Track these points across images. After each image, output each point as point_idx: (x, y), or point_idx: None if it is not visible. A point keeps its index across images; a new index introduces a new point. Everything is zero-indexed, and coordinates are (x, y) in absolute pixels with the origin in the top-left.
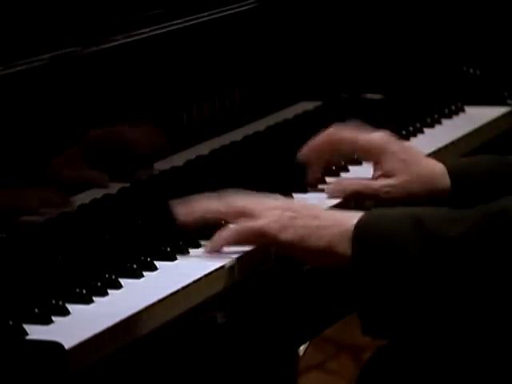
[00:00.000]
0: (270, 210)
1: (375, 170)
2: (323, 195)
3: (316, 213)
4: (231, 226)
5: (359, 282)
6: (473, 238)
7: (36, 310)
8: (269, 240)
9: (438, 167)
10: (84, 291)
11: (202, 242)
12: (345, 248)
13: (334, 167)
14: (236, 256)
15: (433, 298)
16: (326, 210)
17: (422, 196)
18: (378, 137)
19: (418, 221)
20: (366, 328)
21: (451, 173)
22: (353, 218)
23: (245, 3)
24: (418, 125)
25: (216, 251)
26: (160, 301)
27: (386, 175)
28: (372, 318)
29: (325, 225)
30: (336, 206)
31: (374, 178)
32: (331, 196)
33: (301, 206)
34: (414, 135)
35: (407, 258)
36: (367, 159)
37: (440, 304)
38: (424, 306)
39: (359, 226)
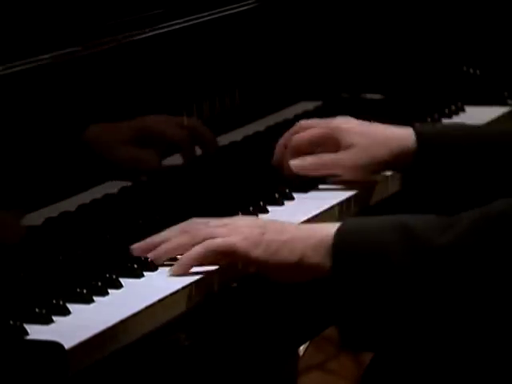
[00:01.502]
0: (237, 229)
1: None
2: (323, 194)
3: (284, 227)
4: (198, 246)
5: (340, 294)
6: (466, 244)
7: (36, 310)
8: (240, 258)
9: (402, 130)
10: (84, 291)
11: None
12: (320, 259)
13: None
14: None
15: (420, 308)
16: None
17: (386, 160)
18: (334, 120)
19: (405, 228)
20: (345, 341)
21: (418, 134)
22: (324, 228)
23: (245, 3)
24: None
25: (183, 272)
26: (160, 301)
27: (347, 148)
28: (354, 330)
29: (295, 238)
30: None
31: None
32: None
33: (268, 222)
34: None
35: (393, 267)
36: (330, 144)
37: (428, 314)
38: (411, 315)
39: (338, 235)
